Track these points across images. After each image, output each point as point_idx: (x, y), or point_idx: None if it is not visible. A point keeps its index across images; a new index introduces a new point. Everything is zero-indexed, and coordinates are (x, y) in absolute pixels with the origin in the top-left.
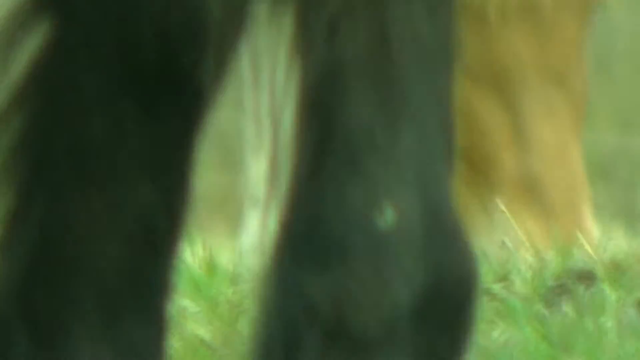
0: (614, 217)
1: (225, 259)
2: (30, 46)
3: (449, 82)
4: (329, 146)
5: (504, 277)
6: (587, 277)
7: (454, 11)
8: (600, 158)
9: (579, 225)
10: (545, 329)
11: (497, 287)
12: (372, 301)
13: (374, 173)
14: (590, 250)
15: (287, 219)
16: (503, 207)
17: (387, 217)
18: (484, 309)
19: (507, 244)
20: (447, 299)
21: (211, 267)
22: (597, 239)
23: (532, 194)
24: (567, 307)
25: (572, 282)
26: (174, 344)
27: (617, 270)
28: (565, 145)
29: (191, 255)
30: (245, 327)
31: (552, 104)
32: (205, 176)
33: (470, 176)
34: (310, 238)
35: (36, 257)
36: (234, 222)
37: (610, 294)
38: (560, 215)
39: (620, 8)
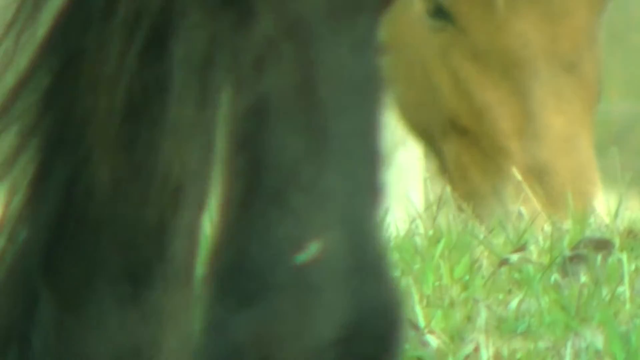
0: (630, 185)
1: None
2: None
3: (376, 117)
4: (256, 181)
5: (521, 247)
6: (603, 246)
7: (378, 46)
8: (614, 126)
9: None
10: (562, 298)
11: (514, 257)
12: (295, 337)
13: (299, 209)
14: (606, 220)
15: (213, 255)
16: (520, 177)
17: (311, 253)
18: (502, 278)
19: (524, 213)
20: (371, 335)
21: None
22: (613, 207)
23: (540, 182)
24: (584, 277)
25: (589, 252)
26: None
27: (634, 240)
28: (575, 134)
29: None
30: None
31: (562, 92)
32: None
33: (481, 162)
34: (234, 274)
35: (61, 219)
36: None
37: (627, 263)
38: (569, 205)
39: None
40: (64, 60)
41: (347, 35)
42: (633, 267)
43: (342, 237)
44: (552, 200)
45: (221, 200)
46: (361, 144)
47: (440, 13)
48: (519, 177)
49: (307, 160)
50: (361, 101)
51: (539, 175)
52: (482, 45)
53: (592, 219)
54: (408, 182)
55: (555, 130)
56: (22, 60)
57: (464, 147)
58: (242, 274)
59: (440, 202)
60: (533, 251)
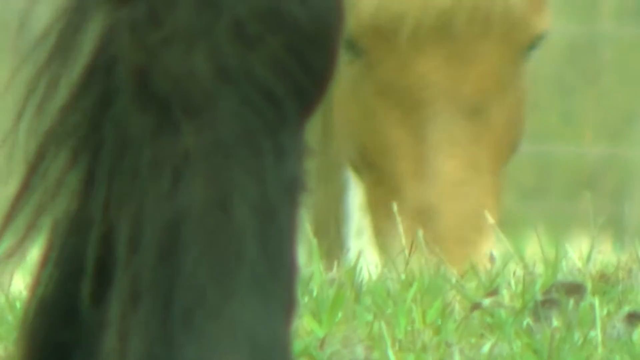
0: (602, 228)
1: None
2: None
3: (293, 230)
4: (166, 300)
5: (493, 291)
6: (575, 290)
7: (302, 151)
8: (588, 169)
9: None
10: (535, 342)
11: (486, 301)
12: None
13: (206, 332)
14: (578, 264)
15: None
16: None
17: None
18: (474, 322)
19: (495, 257)
20: None
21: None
22: (585, 251)
23: (426, 226)
24: (556, 321)
25: (561, 296)
26: None
27: (606, 284)
28: (468, 179)
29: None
30: None
31: (459, 137)
32: None
33: (382, 200)
34: None
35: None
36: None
37: (599, 307)
38: (450, 250)
39: (607, 20)
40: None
41: (267, 152)
42: (605, 311)
43: None
44: (437, 244)
45: (130, 315)
46: (274, 263)
47: (350, 46)
48: (407, 223)
49: (217, 283)
50: (278, 217)
51: (425, 219)
52: (387, 82)
53: (564, 263)
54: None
55: (445, 175)
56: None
57: (371, 183)
58: None
59: (412, 246)
60: (505, 295)
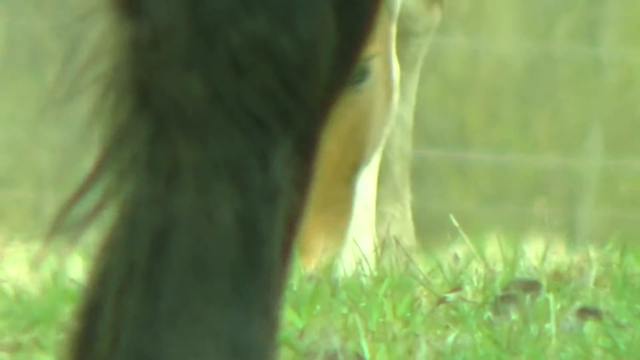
0: (556, 231)
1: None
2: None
3: (270, 247)
4: (153, 297)
5: (457, 287)
6: (532, 287)
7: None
8: (543, 177)
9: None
10: (494, 334)
11: (451, 296)
12: None
13: (189, 333)
14: (535, 262)
15: None
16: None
17: None
18: (440, 315)
19: (459, 257)
20: None
21: None
22: (541, 252)
23: None
24: (514, 315)
25: (519, 292)
26: None
27: (560, 281)
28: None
29: None
30: None
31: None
32: None
33: None
34: None
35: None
36: None
37: (553, 302)
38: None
39: (562, 40)
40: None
41: (253, 168)
42: (559, 306)
43: None
44: None
45: (122, 304)
46: (254, 269)
47: None
48: None
49: (200, 287)
50: (260, 226)
51: None
52: None
53: (521, 262)
54: (356, 228)
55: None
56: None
57: None
58: None
59: (383, 245)
60: (468, 291)
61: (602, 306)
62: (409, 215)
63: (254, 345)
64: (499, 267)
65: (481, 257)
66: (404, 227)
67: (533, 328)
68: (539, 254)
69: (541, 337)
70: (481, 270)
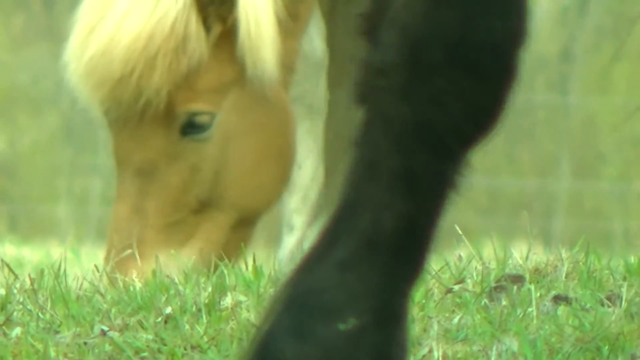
0: (536, 237)
1: (268, 266)
2: None
3: None
4: None
5: (461, 280)
6: (518, 280)
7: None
8: (525, 196)
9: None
10: (489, 315)
11: (456, 287)
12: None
13: None
14: (520, 261)
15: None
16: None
17: None
18: (448, 302)
19: (463, 257)
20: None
21: (258, 271)
22: (525, 253)
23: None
24: (504, 301)
25: (508, 284)
26: (233, 326)
27: (539, 275)
28: (131, 218)
29: (244, 263)
30: None
31: (130, 189)
32: None
33: None
34: None
35: None
36: (274, 241)
37: (534, 291)
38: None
39: (539, 90)
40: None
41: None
42: (538, 294)
43: None
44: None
45: None
46: None
47: None
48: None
49: None
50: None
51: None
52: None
53: (510, 261)
54: None
55: (114, 213)
56: None
57: None
58: None
59: None
60: (469, 283)
61: (571, 294)
62: None
63: None
64: (493, 265)
65: (479, 257)
66: None
67: (519, 311)
68: (523, 254)
69: (525, 318)
70: (479, 267)
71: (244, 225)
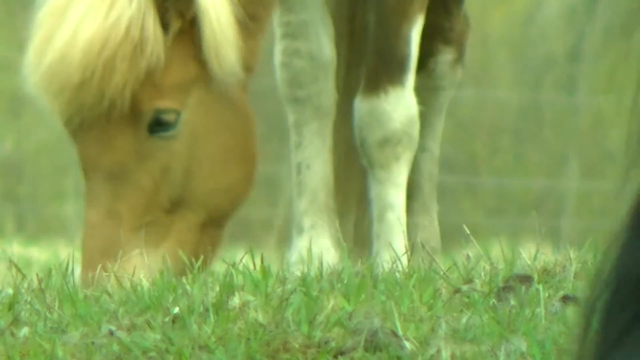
0: (544, 238)
1: (275, 267)
2: None
3: None
4: None
5: (469, 280)
6: (526, 280)
7: None
8: (534, 196)
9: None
10: (497, 315)
11: (464, 287)
12: None
13: None
14: (529, 262)
15: None
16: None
17: None
18: (456, 302)
19: (471, 257)
20: None
21: (266, 272)
22: (533, 253)
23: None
24: (512, 301)
25: (516, 284)
26: (240, 326)
27: (548, 275)
28: (103, 222)
29: (252, 264)
30: (289, 314)
31: (100, 193)
32: (262, 210)
33: None
34: None
35: None
36: (281, 243)
37: (542, 292)
38: (83, 267)
39: (547, 91)
40: None
41: None
42: (547, 294)
43: None
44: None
45: None
46: None
47: None
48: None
49: None
50: None
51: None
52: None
53: (518, 261)
54: (391, 235)
55: (86, 217)
56: None
57: None
58: None
59: (412, 249)
60: (477, 283)
61: (580, 294)
62: (436, 223)
63: None
64: (501, 265)
65: (487, 257)
66: (431, 233)
67: (527, 311)
68: (531, 254)
69: (533, 318)
70: (487, 267)
71: (212, 227)
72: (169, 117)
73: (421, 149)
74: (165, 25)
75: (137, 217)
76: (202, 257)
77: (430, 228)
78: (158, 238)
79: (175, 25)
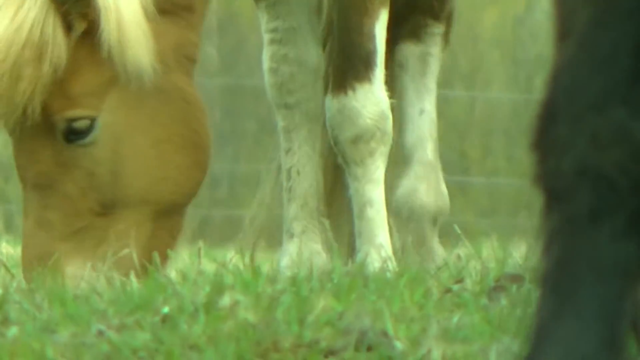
0: (535, 237)
1: (265, 267)
2: None
3: None
4: None
5: (460, 280)
6: (518, 279)
7: None
8: (525, 196)
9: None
10: (488, 315)
11: (455, 287)
12: None
13: None
14: (520, 261)
15: None
16: (459, 232)
17: None
18: (447, 301)
19: (462, 257)
20: None
21: (256, 272)
22: (524, 252)
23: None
24: (503, 301)
25: (507, 283)
26: (231, 326)
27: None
28: (36, 231)
29: (242, 264)
30: (280, 314)
31: (32, 202)
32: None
33: None
34: None
35: None
36: (272, 244)
37: (533, 291)
38: (24, 269)
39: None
40: None
41: (605, 228)
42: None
43: None
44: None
45: None
46: None
47: None
48: None
49: None
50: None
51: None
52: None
53: (509, 261)
54: (373, 231)
55: (23, 227)
56: None
57: None
58: None
59: (403, 248)
60: (468, 283)
61: None
62: (442, 183)
63: None
64: (492, 265)
65: (478, 257)
66: (438, 193)
67: (518, 311)
68: (522, 254)
69: (524, 318)
70: (478, 267)
71: (166, 217)
72: (82, 125)
73: (419, 111)
74: (68, 28)
75: (68, 225)
76: (156, 251)
77: (437, 188)
78: (97, 242)
79: (78, 27)
